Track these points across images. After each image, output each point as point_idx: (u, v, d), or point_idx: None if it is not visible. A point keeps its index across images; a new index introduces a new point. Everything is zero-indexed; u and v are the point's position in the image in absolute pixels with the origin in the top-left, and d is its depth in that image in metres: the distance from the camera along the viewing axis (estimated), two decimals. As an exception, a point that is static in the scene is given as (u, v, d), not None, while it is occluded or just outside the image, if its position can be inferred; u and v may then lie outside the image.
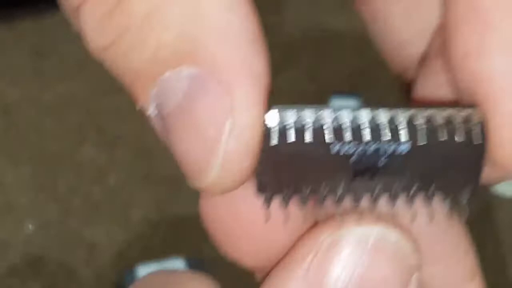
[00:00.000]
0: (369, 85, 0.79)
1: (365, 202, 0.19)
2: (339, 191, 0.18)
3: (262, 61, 0.17)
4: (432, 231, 0.20)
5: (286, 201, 0.18)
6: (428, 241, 0.20)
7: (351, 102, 0.85)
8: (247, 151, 0.17)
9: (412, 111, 0.18)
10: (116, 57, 0.18)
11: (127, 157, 0.78)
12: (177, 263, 0.66)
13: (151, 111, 0.18)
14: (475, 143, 0.18)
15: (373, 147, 0.18)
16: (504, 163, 0.19)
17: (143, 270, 0.69)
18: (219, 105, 0.17)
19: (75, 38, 0.22)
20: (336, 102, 0.87)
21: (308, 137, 0.18)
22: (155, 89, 0.18)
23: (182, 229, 0.72)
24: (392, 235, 0.18)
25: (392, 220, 0.19)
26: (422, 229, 0.19)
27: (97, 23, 0.18)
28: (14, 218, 0.75)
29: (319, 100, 0.88)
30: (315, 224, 0.19)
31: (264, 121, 0.18)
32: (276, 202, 0.19)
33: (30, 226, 0.74)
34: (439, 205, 0.19)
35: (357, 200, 0.19)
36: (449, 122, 0.18)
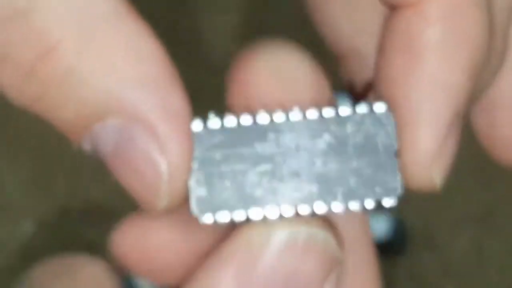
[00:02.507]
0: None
1: (292, 202, 0.20)
2: (266, 192, 0.20)
3: (178, 97, 0.19)
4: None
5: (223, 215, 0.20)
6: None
7: (351, 102, 0.84)
8: (186, 178, 0.19)
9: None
10: (43, 112, 0.19)
11: (127, 157, 0.77)
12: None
13: (89, 153, 0.20)
14: (377, 112, 0.20)
15: (292, 144, 0.20)
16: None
17: (143, 271, 0.69)
18: (150, 149, 0.19)
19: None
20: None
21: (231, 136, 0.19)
22: (87, 137, 0.19)
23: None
24: (319, 234, 0.20)
25: (320, 219, 0.20)
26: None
27: (14, 89, 0.19)
28: (13, 218, 0.75)
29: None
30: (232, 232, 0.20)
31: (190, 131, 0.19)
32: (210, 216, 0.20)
33: (30, 226, 0.74)
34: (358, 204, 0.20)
35: (284, 201, 0.20)
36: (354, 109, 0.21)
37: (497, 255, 0.70)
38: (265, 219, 0.20)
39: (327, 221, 0.20)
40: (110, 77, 0.18)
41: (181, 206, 0.20)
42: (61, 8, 0.18)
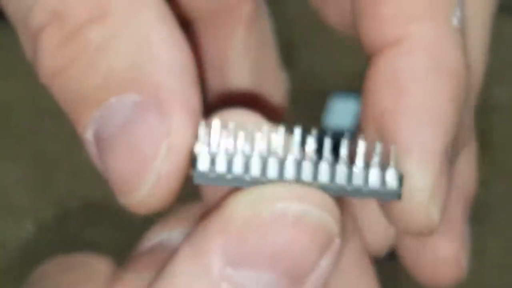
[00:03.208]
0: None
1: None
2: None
3: (197, 94, 0.20)
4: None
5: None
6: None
7: (351, 102, 0.85)
8: (178, 173, 0.19)
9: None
10: (65, 82, 0.20)
11: (127, 158, 0.77)
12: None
13: (88, 134, 0.20)
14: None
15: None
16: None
17: (143, 271, 0.69)
18: (157, 129, 0.19)
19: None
20: (336, 102, 0.87)
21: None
22: (98, 113, 0.20)
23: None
24: (313, 211, 0.19)
25: (315, 193, 0.20)
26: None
27: (53, 48, 0.20)
28: (14, 218, 0.75)
29: (319, 100, 0.88)
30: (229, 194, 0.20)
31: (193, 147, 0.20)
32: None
33: (30, 226, 0.74)
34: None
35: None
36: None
37: (497, 255, 0.70)
38: (262, 178, 0.20)
39: (326, 197, 0.20)
40: (145, 55, 0.19)
41: (159, 205, 0.20)
42: None
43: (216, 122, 0.20)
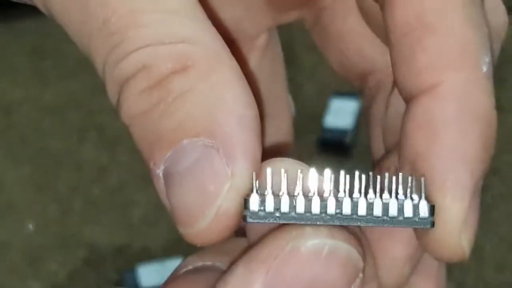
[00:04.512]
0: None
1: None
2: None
3: (259, 146, 0.22)
4: None
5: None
6: None
7: (351, 102, 0.85)
8: (235, 211, 0.22)
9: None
10: (145, 123, 0.22)
11: (127, 157, 0.78)
12: (177, 263, 0.66)
13: (159, 171, 0.22)
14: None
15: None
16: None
17: (143, 270, 0.69)
18: (222, 171, 0.22)
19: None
20: (336, 102, 0.87)
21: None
22: (171, 153, 0.22)
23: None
24: (343, 246, 0.21)
25: (344, 232, 0.22)
26: None
27: (138, 94, 0.22)
28: (14, 218, 0.75)
29: (320, 100, 0.88)
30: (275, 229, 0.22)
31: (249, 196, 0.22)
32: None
33: (30, 226, 0.74)
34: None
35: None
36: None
37: (496, 254, 0.71)
38: (306, 214, 0.22)
39: (351, 234, 0.22)
40: (218, 106, 0.22)
41: (215, 238, 0.22)
42: (205, 43, 0.22)
43: (268, 170, 0.22)
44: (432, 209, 0.22)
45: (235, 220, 0.22)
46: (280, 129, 0.30)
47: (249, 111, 0.22)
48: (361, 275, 0.22)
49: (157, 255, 0.70)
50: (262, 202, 0.22)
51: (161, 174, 0.22)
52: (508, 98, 0.82)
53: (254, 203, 0.22)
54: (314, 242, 0.21)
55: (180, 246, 0.70)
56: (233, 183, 0.22)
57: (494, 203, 0.74)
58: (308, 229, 0.22)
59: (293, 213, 0.22)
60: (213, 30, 0.22)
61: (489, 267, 0.70)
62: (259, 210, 0.22)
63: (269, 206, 0.22)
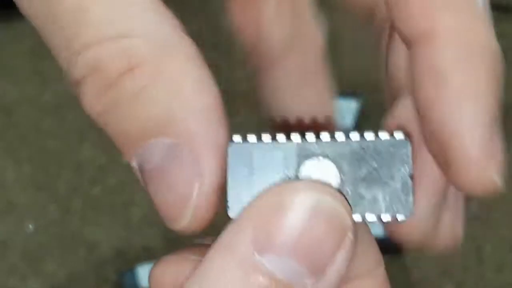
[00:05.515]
0: (369, 86, 0.79)
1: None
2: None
3: (224, 133, 0.22)
4: None
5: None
6: None
7: (351, 102, 0.85)
8: (211, 205, 0.22)
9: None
10: (107, 123, 0.22)
11: (127, 157, 0.78)
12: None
13: (133, 164, 0.22)
14: (397, 138, 0.22)
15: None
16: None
17: (143, 270, 0.69)
18: (190, 169, 0.22)
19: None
20: (336, 102, 0.87)
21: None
22: (139, 150, 0.22)
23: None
24: (327, 200, 0.21)
25: (327, 188, 0.22)
26: None
27: (93, 96, 0.22)
28: (14, 218, 0.75)
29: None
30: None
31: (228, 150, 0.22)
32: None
33: (30, 226, 0.74)
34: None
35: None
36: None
37: (496, 254, 0.71)
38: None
39: (338, 192, 0.22)
40: (175, 102, 0.21)
41: (199, 229, 0.23)
42: (150, 35, 0.21)
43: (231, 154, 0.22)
44: (407, 135, 0.22)
45: (216, 207, 0.22)
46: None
47: (208, 98, 0.22)
48: (350, 235, 0.21)
49: (157, 255, 0.70)
50: (239, 195, 0.22)
51: (136, 167, 0.22)
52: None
53: (233, 199, 0.22)
54: (298, 198, 0.21)
55: (180, 246, 0.69)
56: (203, 181, 0.22)
57: (494, 203, 0.74)
58: (293, 184, 0.22)
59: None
60: (161, 15, 0.22)
61: (489, 267, 0.70)
62: (240, 205, 0.22)
63: (247, 197, 0.22)
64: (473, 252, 0.72)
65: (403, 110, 0.26)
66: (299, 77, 0.30)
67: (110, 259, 0.72)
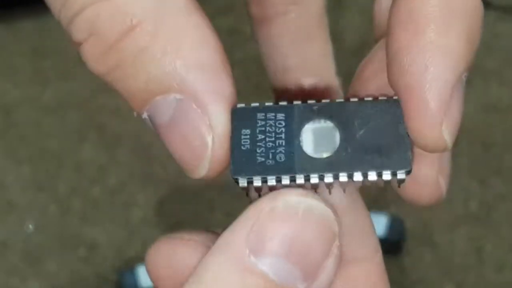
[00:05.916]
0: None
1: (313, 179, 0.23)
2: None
3: (228, 83, 0.22)
4: (343, 208, 0.24)
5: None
6: (340, 213, 0.23)
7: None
8: (226, 152, 0.22)
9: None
10: (113, 81, 0.22)
11: (127, 157, 0.78)
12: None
13: (144, 117, 0.23)
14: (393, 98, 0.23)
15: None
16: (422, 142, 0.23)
17: (143, 270, 0.69)
18: (200, 123, 0.22)
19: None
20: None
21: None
22: (148, 107, 0.22)
23: (182, 229, 0.72)
24: (317, 206, 0.22)
25: (316, 194, 0.22)
26: (336, 203, 0.23)
27: (95, 59, 0.22)
28: (14, 218, 0.75)
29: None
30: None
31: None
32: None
33: (30, 226, 0.74)
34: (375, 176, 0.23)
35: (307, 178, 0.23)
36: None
37: (496, 254, 0.71)
38: (291, 184, 0.22)
39: (325, 200, 0.23)
40: (177, 59, 0.22)
41: (218, 175, 0.23)
42: None
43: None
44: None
45: (228, 156, 0.23)
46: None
47: (208, 52, 0.22)
48: (337, 242, 0.22)
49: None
50: (243, 155, 0.22)
51: (147, 118, 0.23)
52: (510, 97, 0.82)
53: (236, 160, 0.22)
54: (290, 201, 0.22)
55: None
56: (215, 132, 0.22)
57: (494, 203, 0.74)
58: (285, 191, 0.22)
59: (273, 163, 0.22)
60: None
61: (489, 267, 0.70)
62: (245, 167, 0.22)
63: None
64: (473, 252, 0.72)
65: (380, 52, 0.26)
66: (300, 32, 0.30)
67: (110, 259, 0.72)
